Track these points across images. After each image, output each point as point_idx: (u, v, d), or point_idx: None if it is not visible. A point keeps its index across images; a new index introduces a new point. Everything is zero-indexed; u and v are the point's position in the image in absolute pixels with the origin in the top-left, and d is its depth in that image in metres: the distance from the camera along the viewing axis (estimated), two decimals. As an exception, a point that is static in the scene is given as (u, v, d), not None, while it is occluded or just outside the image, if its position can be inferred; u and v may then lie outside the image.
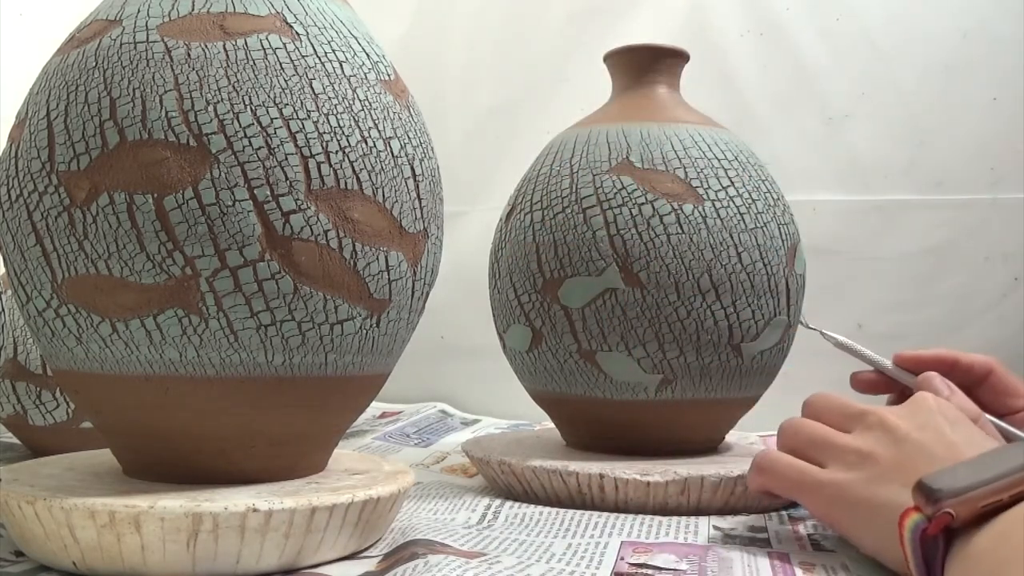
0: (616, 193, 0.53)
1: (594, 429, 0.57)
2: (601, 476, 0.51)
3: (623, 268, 0.52)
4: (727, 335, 0.53)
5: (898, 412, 0.41)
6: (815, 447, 0.42)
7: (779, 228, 0.55)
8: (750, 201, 0.54)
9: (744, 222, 0.54)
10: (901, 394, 0.51)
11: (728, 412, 0.58)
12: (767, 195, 0.56)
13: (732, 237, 0.53)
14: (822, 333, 0.55)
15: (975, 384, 0.50)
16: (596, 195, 0.54)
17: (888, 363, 0.52)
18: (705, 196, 0.53)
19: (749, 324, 0.54)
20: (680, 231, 0.52)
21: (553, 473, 0.52)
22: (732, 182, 0.54)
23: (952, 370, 0.50)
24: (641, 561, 0.41)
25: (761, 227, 0.54)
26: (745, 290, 0.53)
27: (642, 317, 0.52)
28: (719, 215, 0.53)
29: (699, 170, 0.54)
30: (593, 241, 0.53)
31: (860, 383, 0.54)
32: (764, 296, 0.54)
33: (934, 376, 0.47)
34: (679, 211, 0.53)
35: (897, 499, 0.36)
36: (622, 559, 0.41)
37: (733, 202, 0.54)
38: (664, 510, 0.51)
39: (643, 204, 0.53)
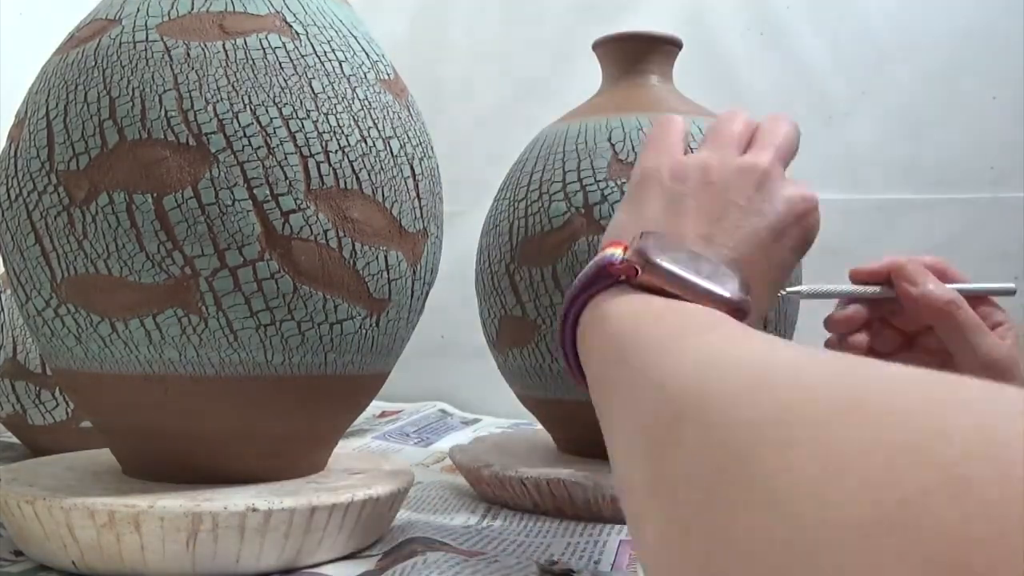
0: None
1: (587, 434, 0.55)
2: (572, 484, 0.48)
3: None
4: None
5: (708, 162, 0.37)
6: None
7: None
8: None
9: None
10: (882, 320, 0.49)
11: None
12: None
13: None
14: (783, 296, 0.51)
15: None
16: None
17: (851, 287, 0.47)
18: None
19: None
20: None
21: (536, 481, 0.50)
22: None
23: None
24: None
25: None
26: None
27: None
28: None
29: None
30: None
31: (836, 324, 0.49)
32: None
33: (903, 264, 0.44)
34: None
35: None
36: (621, 559, 0.41)
37: None
38: None
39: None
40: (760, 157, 0.36)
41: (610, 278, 0.31)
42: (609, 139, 0.55)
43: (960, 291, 0.44)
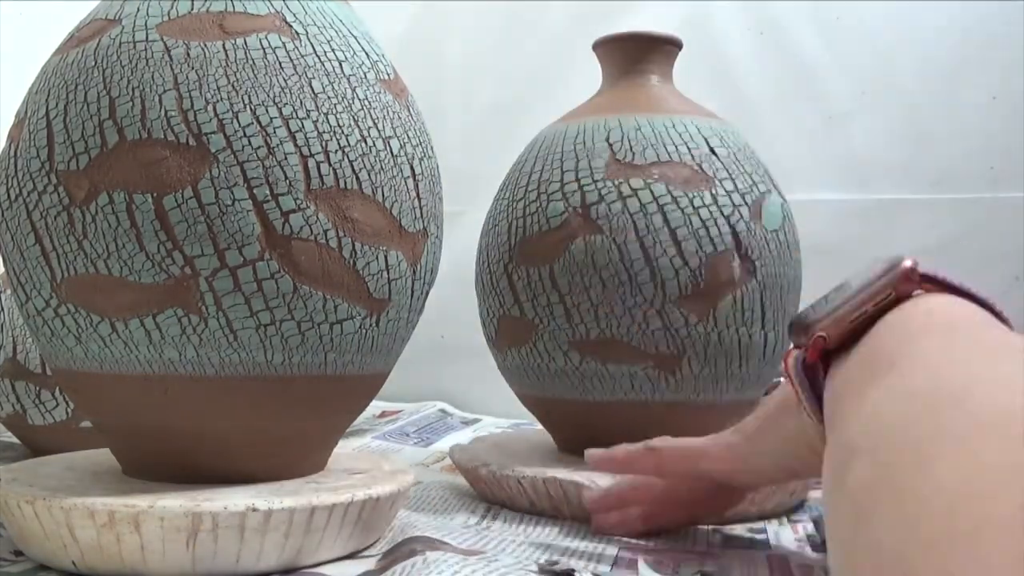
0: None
1: (586, 433, 0.55)
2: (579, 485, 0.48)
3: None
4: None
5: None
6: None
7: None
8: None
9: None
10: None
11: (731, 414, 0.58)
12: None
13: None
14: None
15: None
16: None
17: None
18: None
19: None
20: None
21: (533, 481, 0.49)
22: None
23: None
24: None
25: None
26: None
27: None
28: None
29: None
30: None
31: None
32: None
33: None
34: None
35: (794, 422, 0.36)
36: (622, 560, 0.41)
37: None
38: None
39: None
40: None
41: (818, 370, 0.32)
42: (607, 139, 0.55)
43: None
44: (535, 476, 0.49)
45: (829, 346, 0.31)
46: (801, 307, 0.56)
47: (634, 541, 0.44)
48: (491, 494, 0.53)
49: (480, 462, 0.53)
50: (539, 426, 0.62)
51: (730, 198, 0.53)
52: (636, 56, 0.59)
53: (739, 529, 0.48)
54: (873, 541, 0.17)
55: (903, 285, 0.30)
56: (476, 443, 0.61)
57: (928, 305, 0.29)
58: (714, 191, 0.53)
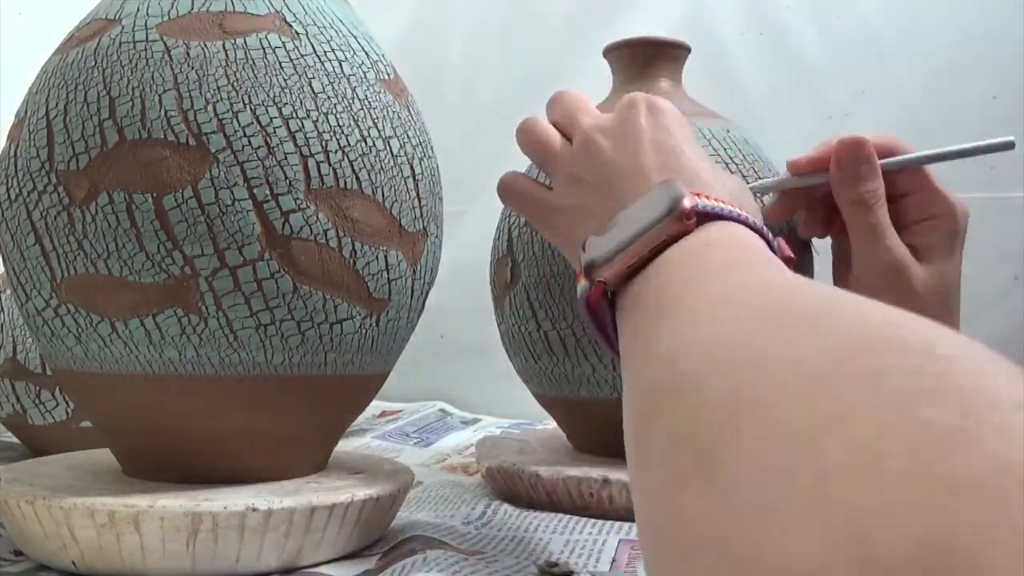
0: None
1: (601, 432, 0.56)
2: (606, 481, 0.49)
3: None
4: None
5: (605, 125, 0.38)
6: (541, 156, 0.41)
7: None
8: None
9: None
10: (822, 201, 0.47)
11: None
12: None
13: None
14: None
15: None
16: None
17: (794, 180, 0.47)
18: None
19: None
20: None
21: (559, 480, 0.50)
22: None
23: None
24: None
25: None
26: None
27: None
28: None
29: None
30: None
31: (774, 214, 0.49)
32: None
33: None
34: None
35: (564, 223, 0.38)
36: (621, 558, 0.41)
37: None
38: None
39: None
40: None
41: (603, 304, 0.32)
42: None
43: (941, 154, 0.44)
44: (554, 474, 0.50)
45: (610, 289, 0.31)
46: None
47: (633, 539, 0.44)
48: (513, 491, 0.53)
49: (501, 458, 0.54)
50: (540, 426, 0.62)
51: None
52: (646, 61, 0.60)
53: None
54: (684, 507, 0.17)
55: (679, 224, 0.30)
56: (498, 439, 0.62)
57: (706, 238, 0.30)
58: None
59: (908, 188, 0.46)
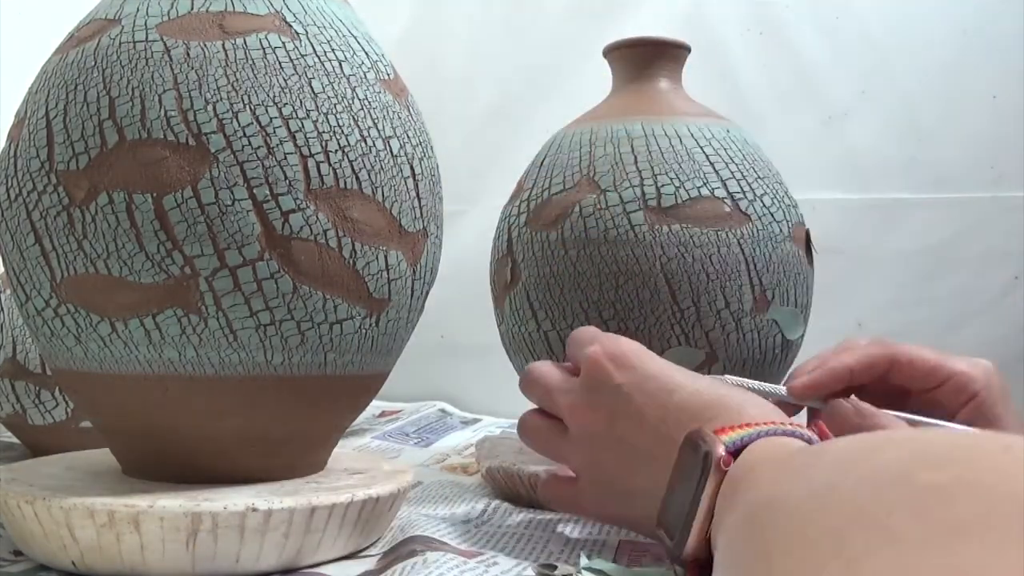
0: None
1: None
2: None
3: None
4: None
5: (583, 402, 0.39)
6: (553, 454, 0.42)
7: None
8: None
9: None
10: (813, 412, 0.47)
11: None
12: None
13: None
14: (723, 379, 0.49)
15: (885, 373, 0.45)
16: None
17: (783, 391, 0.46)
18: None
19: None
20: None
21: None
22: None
23: (850, 383, 0.45)
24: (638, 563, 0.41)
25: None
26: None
27: None
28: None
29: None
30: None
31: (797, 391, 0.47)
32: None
33: (840, 404, 0.43)
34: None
35: (614, 510, 0.39)
36: (621, 557, 0.41)
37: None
38: None
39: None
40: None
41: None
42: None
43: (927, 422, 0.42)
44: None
45: (700, 555, 0.31)
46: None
47: (633, 540, 0.44)
48: (513, 491, 0.53)
49: (500, 458, 0.54)
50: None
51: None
52: (646, 61, 0.60)
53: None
54: None
55: (720, 474, 0.30)
56: (500, 439, 0.62)
57: (747, 475, 0.29)
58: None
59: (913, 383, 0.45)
